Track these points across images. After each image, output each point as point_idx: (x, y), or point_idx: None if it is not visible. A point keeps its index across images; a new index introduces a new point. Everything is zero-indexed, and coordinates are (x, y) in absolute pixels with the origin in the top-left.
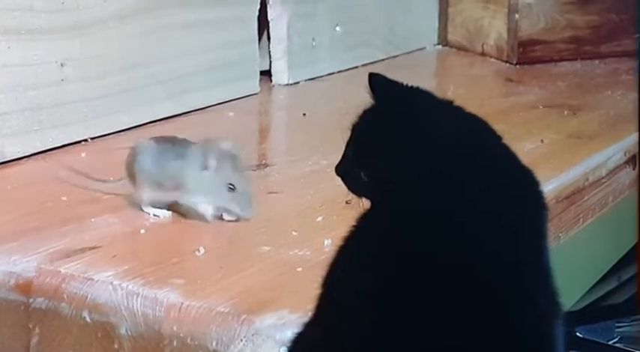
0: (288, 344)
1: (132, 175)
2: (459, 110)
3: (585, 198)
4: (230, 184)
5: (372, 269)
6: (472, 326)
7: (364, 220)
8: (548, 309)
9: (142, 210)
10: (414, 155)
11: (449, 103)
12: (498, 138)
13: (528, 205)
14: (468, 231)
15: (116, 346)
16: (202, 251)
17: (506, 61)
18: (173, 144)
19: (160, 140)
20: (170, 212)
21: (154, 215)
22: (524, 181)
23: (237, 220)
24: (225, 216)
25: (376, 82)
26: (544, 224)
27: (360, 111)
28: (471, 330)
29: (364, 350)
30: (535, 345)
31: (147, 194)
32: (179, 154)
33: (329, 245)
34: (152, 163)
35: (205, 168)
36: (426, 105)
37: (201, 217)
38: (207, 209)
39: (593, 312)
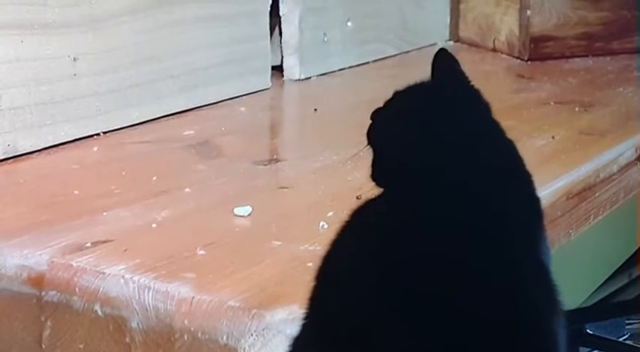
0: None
1: None
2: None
3: (596, 194)
4: None
5: (366, 264)
6: (470, 323)
7: (360, 213)
8: (549, 307)
9: None
10: (420, 148)
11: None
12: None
13: (524, 206)
14: (465, 228)
15: (127, 339)
16: (214, 245)
17: (518, 57)
18: None
19: None
20: None
21: None
22: (522, 182)
23: None
24: None
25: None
26: (540, 225)
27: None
28: (468, 328)
29: (357, 344)
30: (537, 343)
31: None
32: None
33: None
34: None
35: None
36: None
37: None
38: None
39: (604, 309)
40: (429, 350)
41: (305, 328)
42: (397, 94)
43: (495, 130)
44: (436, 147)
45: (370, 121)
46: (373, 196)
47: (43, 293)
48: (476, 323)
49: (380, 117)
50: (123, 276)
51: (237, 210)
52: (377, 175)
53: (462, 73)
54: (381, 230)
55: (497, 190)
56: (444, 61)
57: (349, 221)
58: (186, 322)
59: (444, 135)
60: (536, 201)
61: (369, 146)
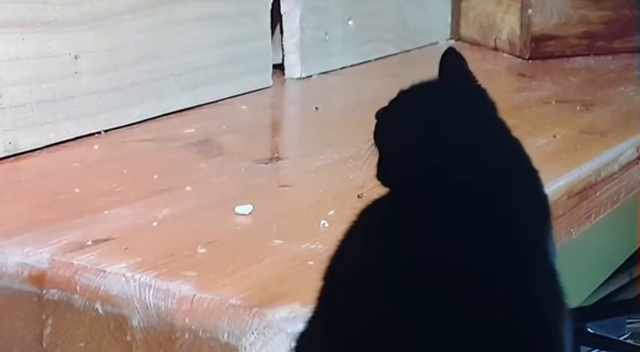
0: (294, 343)
1: None
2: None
3: (597, 193)
4: None
5: (372, 264)
6: (476, 324)
7: (367, 213)
8: (555, 308)
9: None
10: (423, 148)
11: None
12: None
13: (532, 204)
14: (473, 229)
15: (128, 338)
16: (214, 244)
17: (519, 56)
18: None
19: None
20: None
21: None
22: (529, 180)
23: None
24: None
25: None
26: (547, 222)
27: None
28: (474, 329)
29: (364, 343)
30: (542, 344)
31: None
32: None
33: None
34: None
35: None
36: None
37: None
38: None
39: (604, 308)
40: (433, 350)
41: (312, 326)
42: (402, 94)
43: (501, 130)
44: (441, 147)
45: (375, 120)
46: (380, 196)
47: (44, 292)
48: (480, 324)
49: (385, 116)
50: (124, 275)
51: (238, 209)
52: (382, 175)
53: (469, 73)
54: (386, 230)
55: (503, 190)
56: (451, 60)
57: (356, 221)
58: (187, 320)
59: (449, 135)
60: (543, 198)
61: (374, 146)
